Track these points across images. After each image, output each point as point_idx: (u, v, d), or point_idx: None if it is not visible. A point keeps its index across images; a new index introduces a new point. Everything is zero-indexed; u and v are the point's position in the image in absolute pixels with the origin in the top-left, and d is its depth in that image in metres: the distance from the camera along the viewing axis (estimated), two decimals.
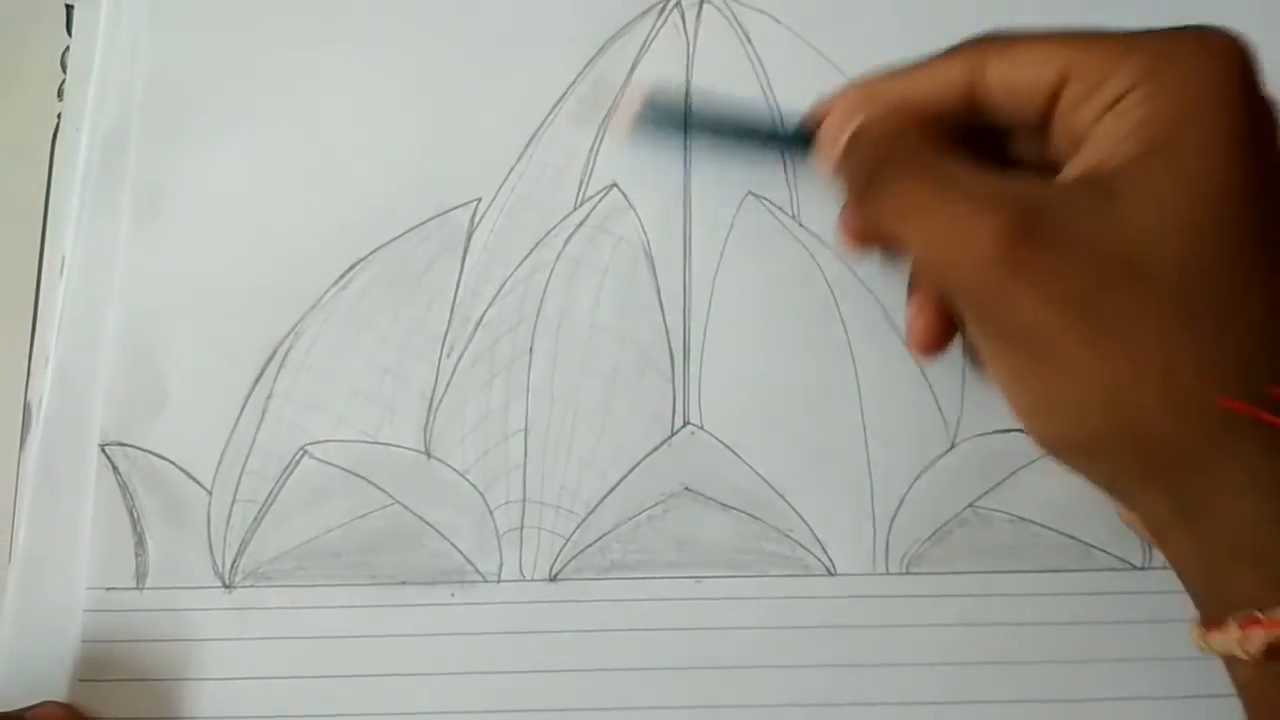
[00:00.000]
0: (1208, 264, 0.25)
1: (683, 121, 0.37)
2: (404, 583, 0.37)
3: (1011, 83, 0.29)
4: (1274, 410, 0.25)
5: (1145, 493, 0.27)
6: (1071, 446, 0.28)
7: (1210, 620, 0.27)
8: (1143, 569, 0.37)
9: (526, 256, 0.40)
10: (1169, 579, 0.36)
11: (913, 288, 0.32)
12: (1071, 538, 0.37)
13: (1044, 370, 0.27)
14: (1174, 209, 0.26)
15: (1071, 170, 0.28)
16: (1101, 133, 0.27)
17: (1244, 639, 0.26)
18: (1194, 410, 0.25)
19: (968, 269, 0.27)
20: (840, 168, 0.31)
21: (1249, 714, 0.27)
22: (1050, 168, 0.29)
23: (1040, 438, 0.28)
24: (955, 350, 0.38)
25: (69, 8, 0.43)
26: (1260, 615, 0.25)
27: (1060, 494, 0.37)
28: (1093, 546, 0.37)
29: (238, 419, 0.38)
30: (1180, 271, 0.25)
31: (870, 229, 0.32)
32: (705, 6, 0.42)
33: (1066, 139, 0.29)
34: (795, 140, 0.33)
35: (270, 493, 0.38)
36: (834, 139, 0.31)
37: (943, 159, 0.28)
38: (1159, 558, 0.36)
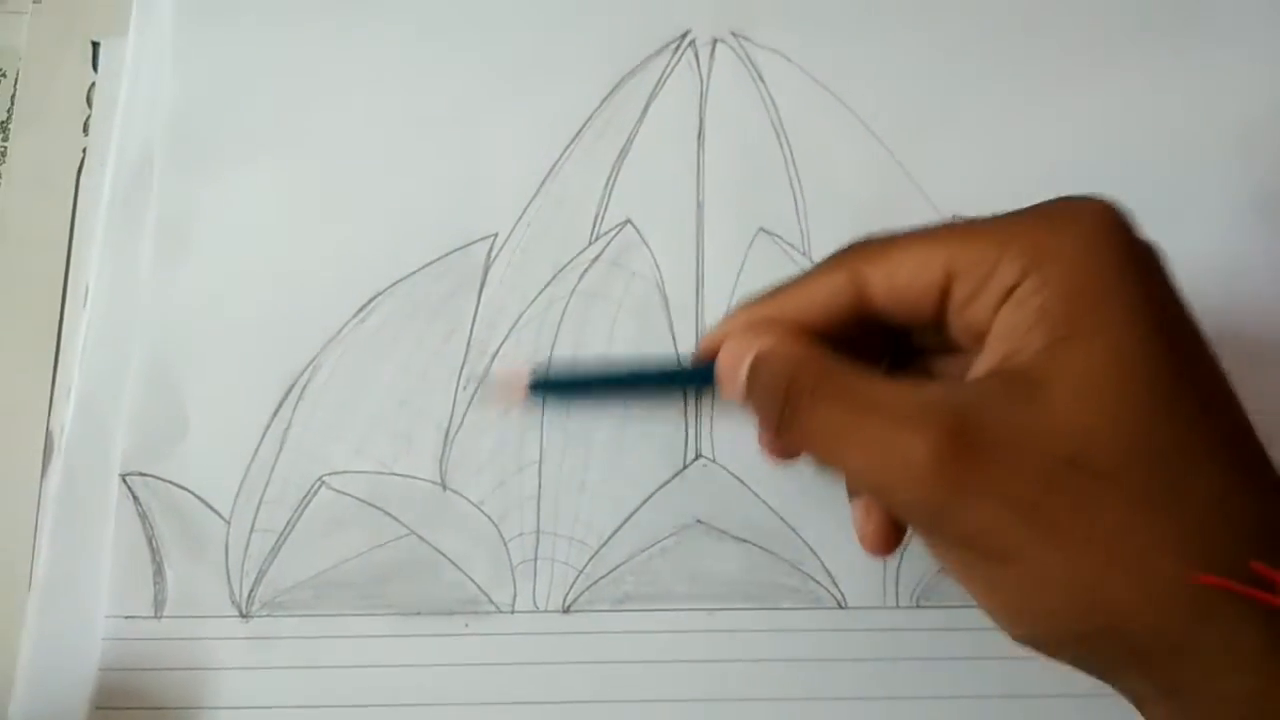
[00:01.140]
0: (1147, 443, 0.25)
1: (573, 387, 0.36)
2: (419, 613, 0.37)
3: (895, 289, 0.28)
4: (1248, 583, 0.24)
5: (1129, 679, 0.27)
6: (1049, 644, 0.27)
7: None
8: None
9: (542, 291, 0.40)
10: None
11: (852, 494, 0.32)
12: None
13: (1008, 575, 0.26)
14: (1098, 394, 0.25)
15: (982, 365, 0.27)
16: (1003, 325, 0.27)
17: None
18: (1166, 594, 0.25)
19: (909, 490, 0.26)
20: (748, 400, 0.30)
21: None
22: (952, 352, 0.29)
23: (1016, 638, 0.27)
24: None
25: (95, 45, 0.44)
26: None
27: None
28: None
29: (256, 449, 0.39)
30: (1123, 457, 0.25)
31: (793, 450, 0.31)
32: (719, 45, 0.43)
33: (965, 333, 0.28)
34: (693, 378, 0.33)
35: (288, 523, 0.38)
36: (733, 372, 0.30)
37: (854, 377, 0.28)
38: None
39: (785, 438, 0.29)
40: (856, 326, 0.29)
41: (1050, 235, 0.27)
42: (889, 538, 0.31)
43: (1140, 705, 0.27)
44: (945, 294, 0.28)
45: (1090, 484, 0.25)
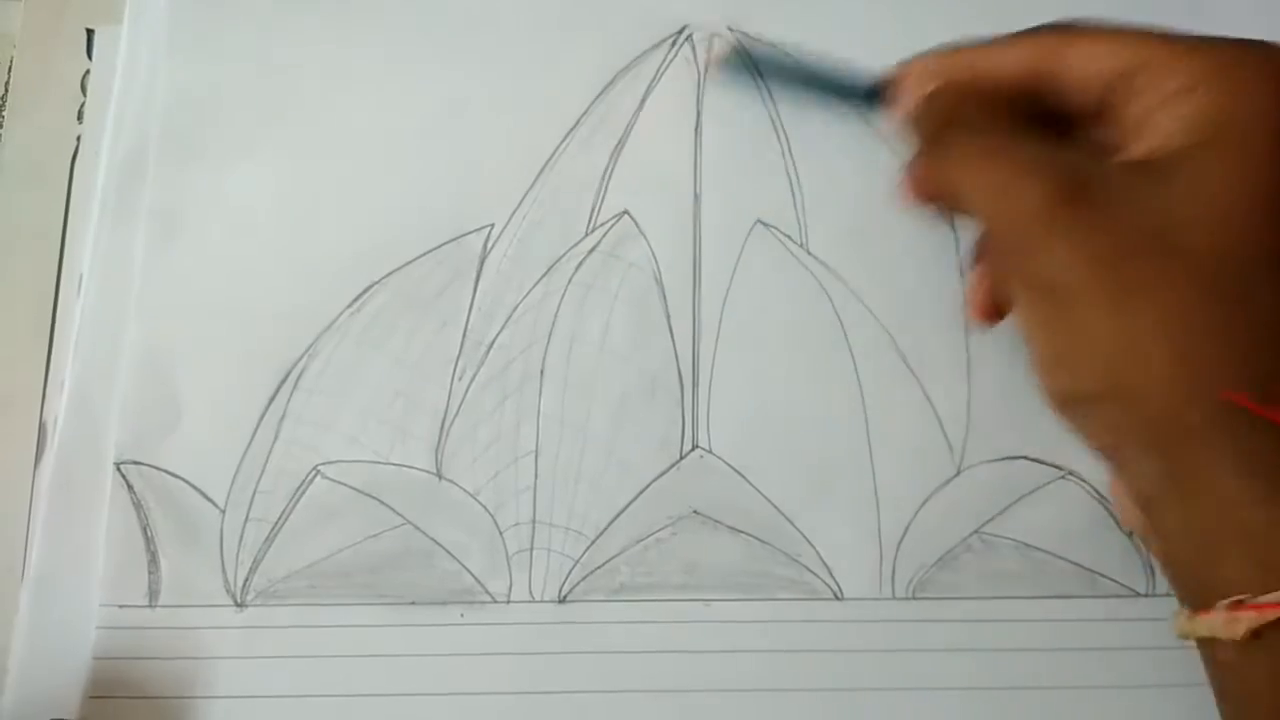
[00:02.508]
0: (1239, 253, 0.26)
1: (760, 69, 0.38)
2: (414, 603, 0.37)
3: (1082, 69, 0.30)
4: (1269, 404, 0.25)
5: (1141, 458, 0.28)
6: (1078, 398, 0.28)
7: (1196, 604, 0.27)
8: (1146, 595, 0.37)
9: (538, 282, 0.40)
10: (1172, 606, 0.36)
11: (975, 258, 0.33)
12: (1076, 564, 0.37)
13: (1064, 322, 0.28)
14: (1215, 198, 0.27)
15: (1126, 154, 0.29)
16: (1159, 122, 0.28)
17: (1231, 621, 0.26)
18: (1200, 384, 0.26)
19: (1013, 221, 0.28)
20: (913, 119, 0.32)
21: (1222, 696, 0.28)
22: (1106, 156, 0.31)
23: (1050, 388, 0.29)
24: (959, 379, 0.39)
25: (90, 32, 0.43)
26: (1248, 598, 0.25)
27: (1064, 521, 0.38)
28: (1097, 573, 0.37)
29: (251, 438, 0.38)
30: (1211, 254, 0.26)
31: (930, 181, 0.33)
32: (716, 39, 0.43)
33: (1125, 126, 0.29)
34: (867, 95, 0.35)
35: (283, 512, 0.38)
36: (911, 94, 0.32)
37: (1005, 128, 0.30)
38: (1163, 584, 0.37)
39: (930, 159, 0.31)
40: (1030, 99, 0.31)
41: (1234, 60, 0.28)
42: (992, 311, 0.32)
43: (1148, 508, 0.28)
44: (1121, 85, 0.29)
45: (1170, 262, 0.26)
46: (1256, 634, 0.25)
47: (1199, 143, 0.27)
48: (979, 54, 0.32)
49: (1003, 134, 0.30)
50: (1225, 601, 0.26)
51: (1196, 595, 0.27)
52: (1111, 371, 0.27)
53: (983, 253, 0.33)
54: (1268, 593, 0.25)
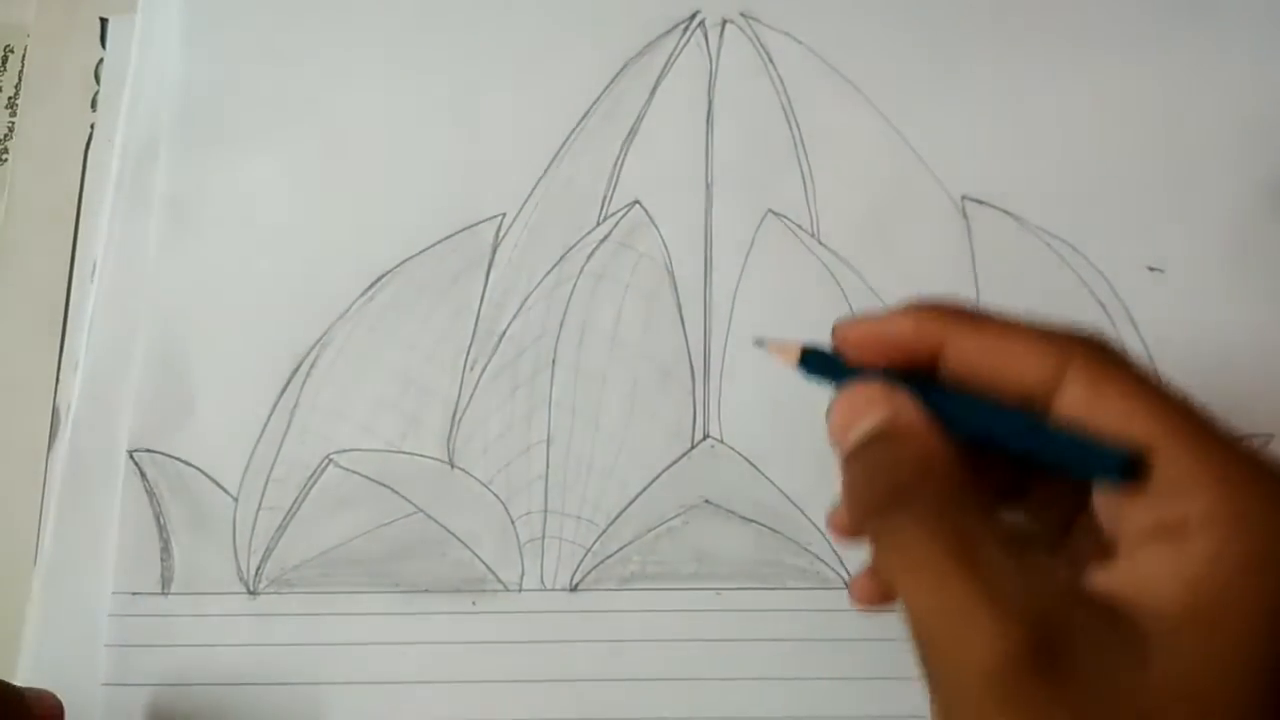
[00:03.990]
0: None
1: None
2: (426, 591, 0.37)
3: (1086, 408, 0.25)
4: None
5: None
6: None
7: None
8: None
9: (550, 271, 0.40)
10: None
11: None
12: None
13: None
14: (1202, 690, 0.23)
15: (1106, 579, 0.24)
16: (1151, 558, 0.24)
17: None
18: None
19: (958, 672, 0.23)
20: (849, 468, 0.27)
21: None
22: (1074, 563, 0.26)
23: None
24: None
25: (104, 21, 0.43)
26: None
27: None
28: None
29: (264, 427, 0.39)
30: None
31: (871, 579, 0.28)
32: (728, 26, 0.43)
33: (1100, 526, 0.26)
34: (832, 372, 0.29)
35: (295, 500, 0.38)
36: (847, 426, 0.27)
37: (970, 520, 0.24)
38: None
39: (866, 538, 0.26)
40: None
41: (1256, 505, 0.23)
42: (876, 597, 0.28)
43: None
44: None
45: None
46: None
47: (1193, 616, 0.23)
48: (976, 336, 0.26)
49: (964, 535, 0.24)
50: None
51: None
52: None
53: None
54: None
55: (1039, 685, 0.22)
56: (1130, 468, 0.24)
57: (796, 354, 0.29)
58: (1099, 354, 0.25)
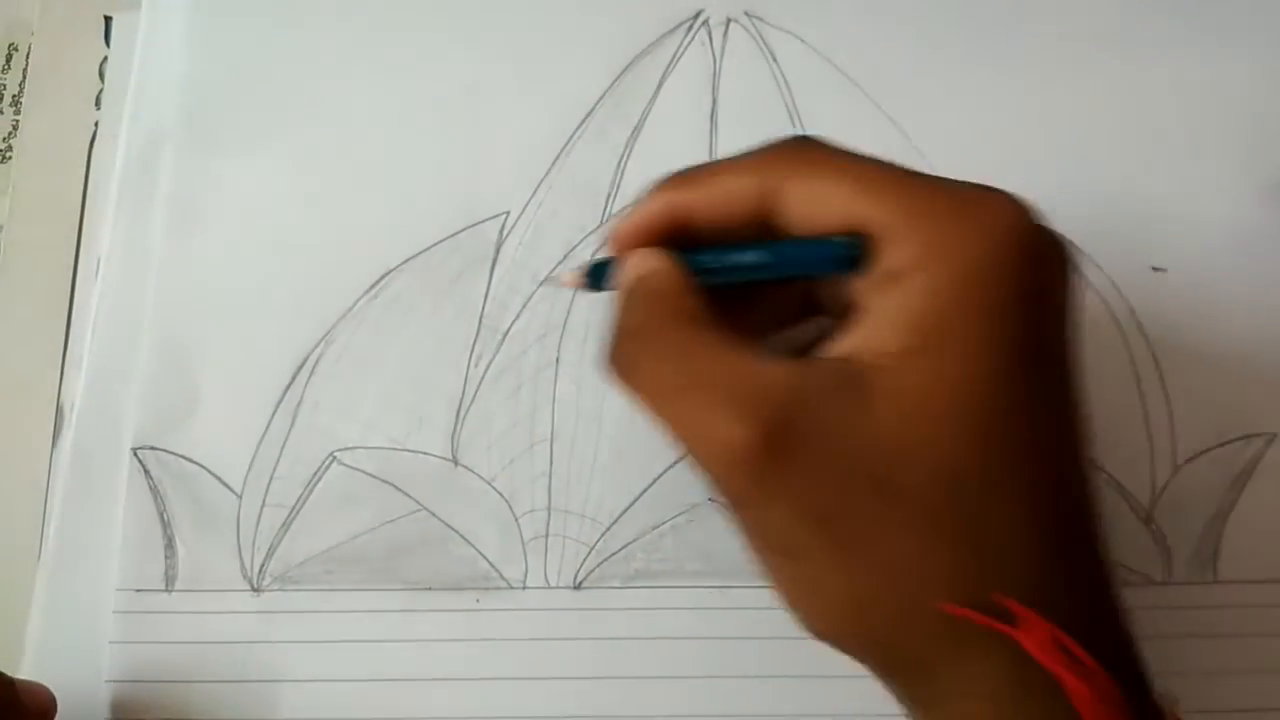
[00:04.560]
0: (955, 476, 0.25)
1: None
2: (430, 588, 0.37)
3: (803, 215, 0.28)
4: (998, 617, 0.25)
5: (893, 686, 0.27)
6: (826, 639, 0.27)
7: None
8: (1163, 584, 0.37)
9: (554, 269, 0.40)
10: (1190, 594, 0.36)
11: None
12: None
13: (794, 575, 0.27)
14: (928, 418, 0.25)
15: (839, 345, 0.27)
16: (877, 312, 0.26)
17: None
18: (922, 618, 0.25)
19: (718, 472, 0.26)
20: (617, 311, 0.29)
21: None
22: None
23: (802, 628, 0.28)
24: None
25: (108, 19, 0.43)
26: None
27: None
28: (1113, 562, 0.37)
29: (268, 424, 0.39)
30: (926, 483, 0.25)
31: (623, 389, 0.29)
32: (732, 25, 0.43)
33: (837, 299, 0.28)
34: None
35: (299, 498, 0.38)
36: (622, 273, 0.30)
37: (697, 333, 0.27)
38: (1181, 572, 0.37)
39: (620, 382, 0.28)
40: (760, 229, 0.28)
41: (954, 235, 0.26)
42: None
43: (902, 706, 0.28)
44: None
45: (887, 507, 0.25)
46: None
47: (911, 349, 0.26)
48: (702, 193, 0.29)
49: (698, 355, 0.27)
50: None
51: None
52: (846, 622, 0.26)
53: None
54: None
55: (773, 467, 0.25)
56: (857, 252, 0.27)
57: (583, 274, 0.31)
58: (796, 159, 0.28)
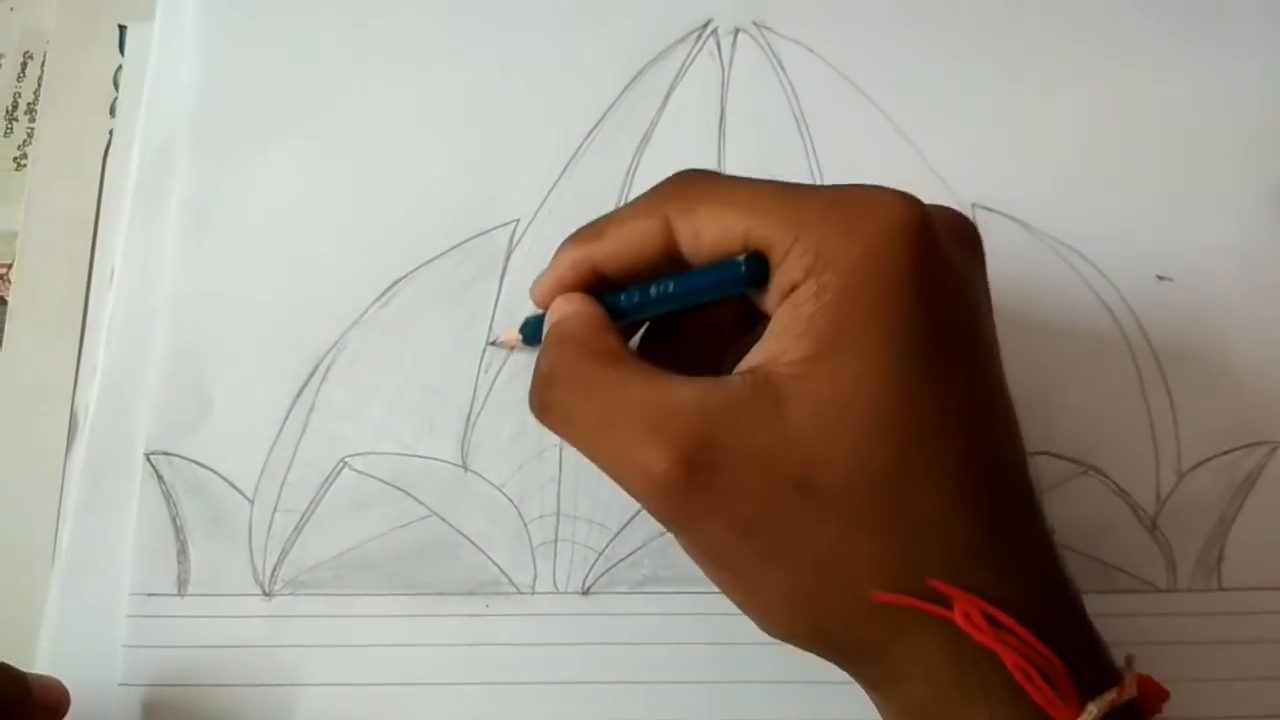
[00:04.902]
0: (871, 471, 0.26)
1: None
2: (440, 593, 0.37)
3: (696, 248, 0.29)
4: (933, 600, 0.26)
5: (846, 669, 0.29)
6: (784, 640, 0.29)
7: None
8: (1167, 591, 0.37)
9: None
10: (1194, 601, 0.37)
11: None
12: (1097, 559, 0.37)
13: (736, 585, 0.28)
14: (838, 418, 0.26)
15: (753, 356, 0.28)
16: (779, 323, 0.28)
17: None
18: (859, 608, 0.26)
19: (646, 500, 0.27)
20: (539, 359, 0.31)
21: None
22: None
23: (762, 630, 0.29)
24: None
25: (122, 29, 0.44)
26: None
27: (1086, 517, 0.38)
28: (1115, 568, 0.37)
29: (280, 430, 0.39)
30: (845, 482, 0.26)
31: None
32: (740, 35, 0.43)
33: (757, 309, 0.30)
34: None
35: (311, 503, 0.38)
36: (546, 319, 0.32)
37: (612, 368, 0.29)
38: (1185, 579, 0.37)
39: (538, 418, 0.30)
40: (672, 265, 0.30)
41: (839, 238, 0.27)
42: None
43: (871, 697, 0.29)
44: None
45: (811, 508, 0.26)
46: None
47: (813, 355, 0.27)
48: (606, 236, 0.31)
49: (614, 389, 0.28)
50: None
51: None
52: (796, 622, 0.28)
53: None
54: None
55: (695, 488, 0.26)
56: (754, 269, 0.28)
57: (517, 334, 0.35)
58: (688, 193, 0.30)
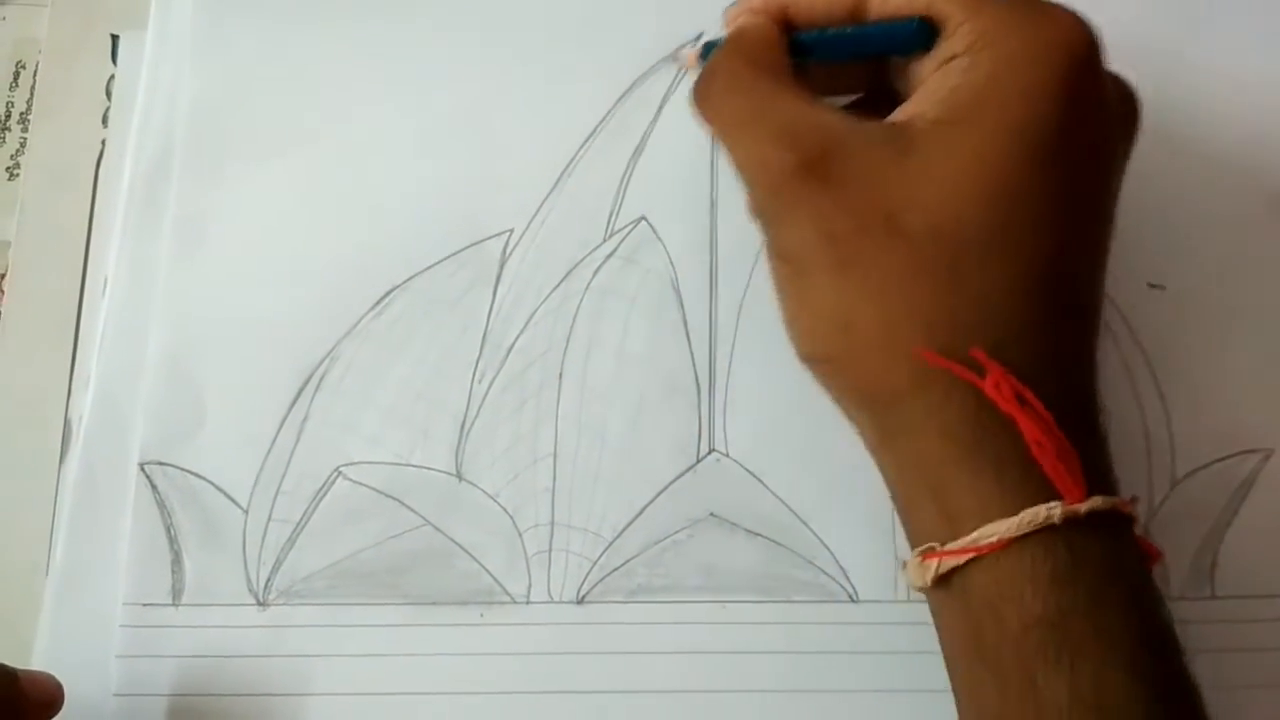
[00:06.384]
0: (959, 232, 0.29)
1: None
2: (434, 603, 0.38)
3: (882, 12, 0.32)
4: (968, 367, 0.28)
5: (857, 415, 0.31)
6: (811, 359, 0.31)
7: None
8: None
9: (557, 286, 0.41)
10: (1188, 609, 0.37)
11: None
12: None
13: (798, 290, 0.31)
14: (947, 176, 0.29)
15: (895, 114, 0.31)
16: (926, 88, 0.30)
17: (920, 568, 0.29)
18: (901, 353, 0.29)
19: (761, 189, 0.31)
20: (708, 61, 0.34)
21: (939, 642, 0.31)
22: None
23: (792, 343, 0.31)
24: None
25: (115, 38, 0.44)
26: (937, 547, 0.29)
27: None
28: None
29: (274, 440, 0.39)
30: (931, 232, 0.29)
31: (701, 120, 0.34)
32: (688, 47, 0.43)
33: (908, 82, 0.32)
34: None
35: (305, 513, 0.38)
36: (725, 31, 0.34)
37: (770, 78, 0.31)
38: (1177, 588, 0.37)
39: (696, 102, 0.33)
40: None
41: (1007, 27, 0.29)
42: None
43: (874, 457, 0.31)
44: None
45: (892, 244, 0.29)
46: (943, 579, 0.29)
47: (948, 119, 0.29)
48: None
49: (764, 94, 0.31)
50: (918, 550, 0.29)
51: (912, 546, 0.30)
52: (831, 338, 0.30)
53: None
54: (951, 541, 0.28)
55: (817, 186, 0.29)
56: (923, 32, 0.31)
57: (697, 55, 0.35)
58: None
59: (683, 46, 0.42)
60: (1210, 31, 0.43)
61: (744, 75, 0.32)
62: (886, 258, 0.29)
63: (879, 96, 0.34)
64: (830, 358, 0.31)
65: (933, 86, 0.30)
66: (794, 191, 0.30)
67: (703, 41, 0.36)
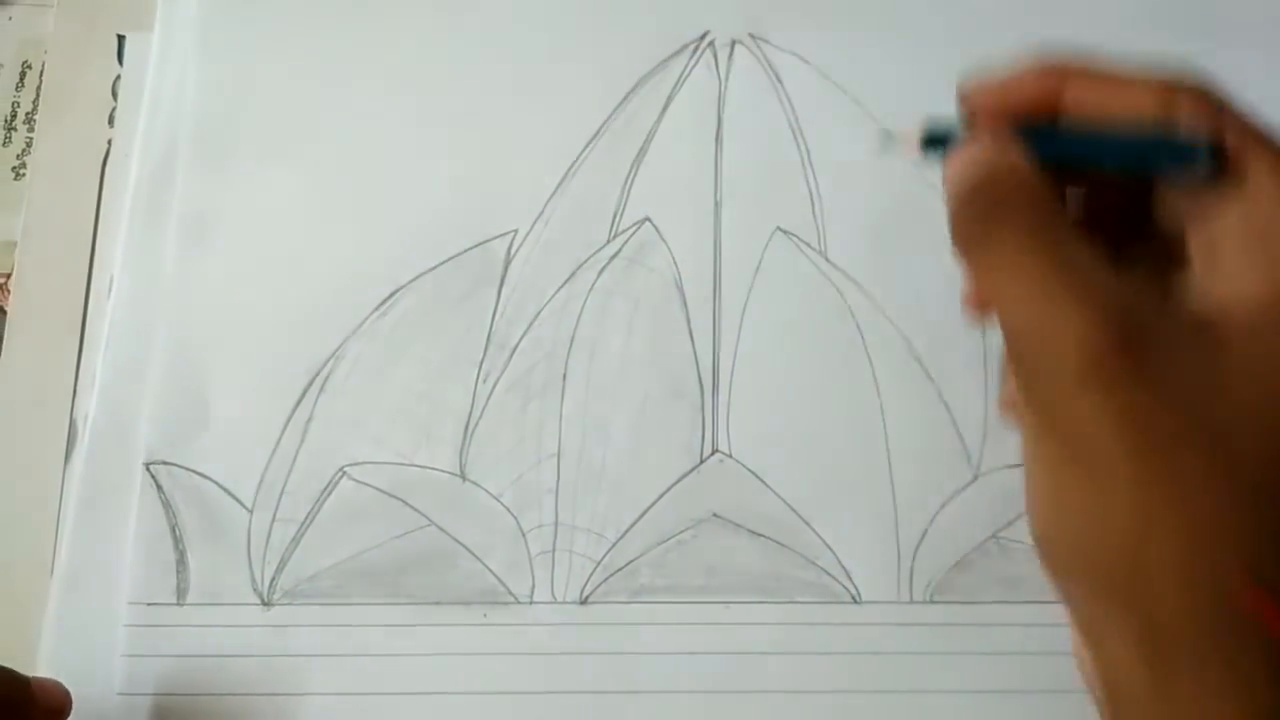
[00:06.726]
0: None
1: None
2: (438, 603, 0.38)
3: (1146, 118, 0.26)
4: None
5: (1120, 644, 0.25)
6: (1070, 559, 0.25)
7: None
8: None
9: (561, 287, 0.41)
10: None
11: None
12: None
13: (1075, 476, 0.24)
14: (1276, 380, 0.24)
15: (1189, 285, 0.26)
16: (1237, 258, 0.25)
17: None
18: (1213, 591, 0.23)
19: (1052, 367, 0.24)
20: (955, 208, 0.27)
21: None
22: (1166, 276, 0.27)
23: (1041, 533, 0.25)
24: (976, 385, 0.40)
25: (121, 38, 0.44)
26: None
27: None
28: None
29: (279, 440, 0.39)
30: (1259, 460, 0.23)
31: (973, 288, 0.29)
32: (737, 47, 0.43)
33: (1193, 240, 0.26)
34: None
35: (309, 512, 0.38)
36: (958, 178, 0.27)
37: (1060, 229, 0.25)
38: None
39: (965, 256, 0.26)
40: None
41: None
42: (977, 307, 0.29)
43: (1113, 681, 0.25)
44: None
45: (1214, 457, 0.23)
46: None
47: (1270, 297, 0.24)
48: (1087, 81, 0.28)
49: (1054, 239, 0.25)
50: None
51: None
52: (1117, 548, 0.24)
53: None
54: None
55: (1126, 370, 0.23)
56: (1212, 161, 0.25)
57: (916, 139, 0.29)
58: (1203, 91, 0.27)
59: (896, 130, 0.31)
60: (1214, 35, 0.43)
61: (1036, 218, 0.26)
62: (1210, 475, 0.23)
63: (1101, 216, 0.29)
64: (1103, 568, 0.24)
65: (1243, 269, 0.24)
66: (1097, 365, 0.23)
67: (929, 127, 0.30)
